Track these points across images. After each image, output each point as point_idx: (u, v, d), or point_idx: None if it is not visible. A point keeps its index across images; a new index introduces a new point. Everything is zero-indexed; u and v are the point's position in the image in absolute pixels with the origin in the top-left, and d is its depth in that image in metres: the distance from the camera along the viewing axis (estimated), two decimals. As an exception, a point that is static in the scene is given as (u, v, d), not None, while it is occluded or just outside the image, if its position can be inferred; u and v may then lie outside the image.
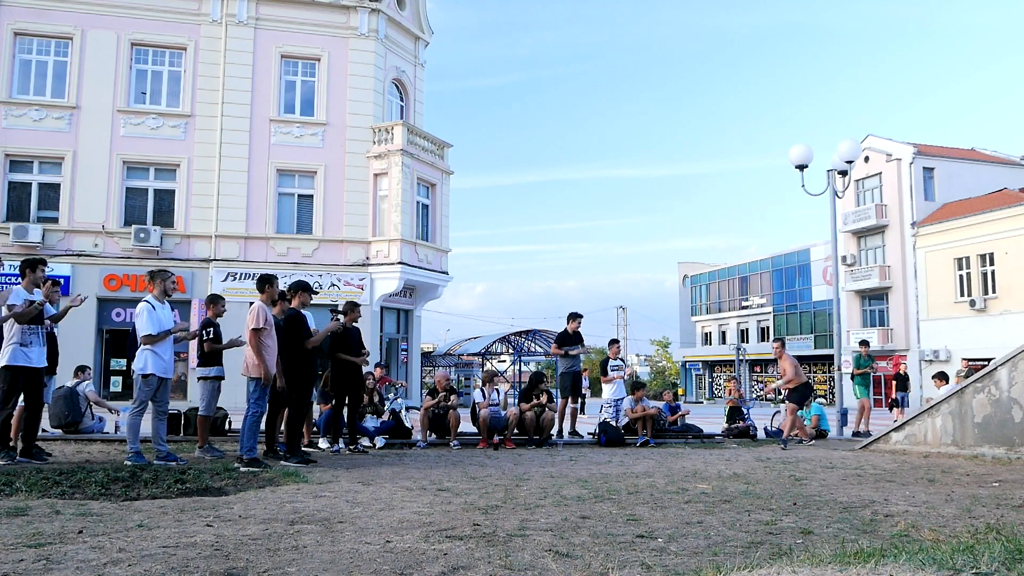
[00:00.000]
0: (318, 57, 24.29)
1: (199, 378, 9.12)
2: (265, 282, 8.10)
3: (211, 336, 8.80)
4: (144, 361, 7.71)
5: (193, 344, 9.12)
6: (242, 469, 7.19)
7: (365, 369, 10.37)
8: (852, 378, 14.67)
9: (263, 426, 8.63)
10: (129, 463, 7.34)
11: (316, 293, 9.10)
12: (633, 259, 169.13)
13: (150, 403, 7.88)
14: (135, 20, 23.13)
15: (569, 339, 12.12)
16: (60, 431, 10.41)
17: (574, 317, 12.17)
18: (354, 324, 9.99)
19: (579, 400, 12.49)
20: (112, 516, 4.62)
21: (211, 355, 8.83)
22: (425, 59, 27.60)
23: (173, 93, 23.54)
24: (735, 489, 6.23)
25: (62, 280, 20.83)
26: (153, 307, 7.77)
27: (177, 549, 3.67)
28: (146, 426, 8.00)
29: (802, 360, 37.58)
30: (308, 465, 7.87)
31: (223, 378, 9.05)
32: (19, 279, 7.83)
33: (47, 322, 7.84)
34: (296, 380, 8.32)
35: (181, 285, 22.17)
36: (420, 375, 27.38)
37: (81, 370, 10.96)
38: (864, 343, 15.35)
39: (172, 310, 8.37)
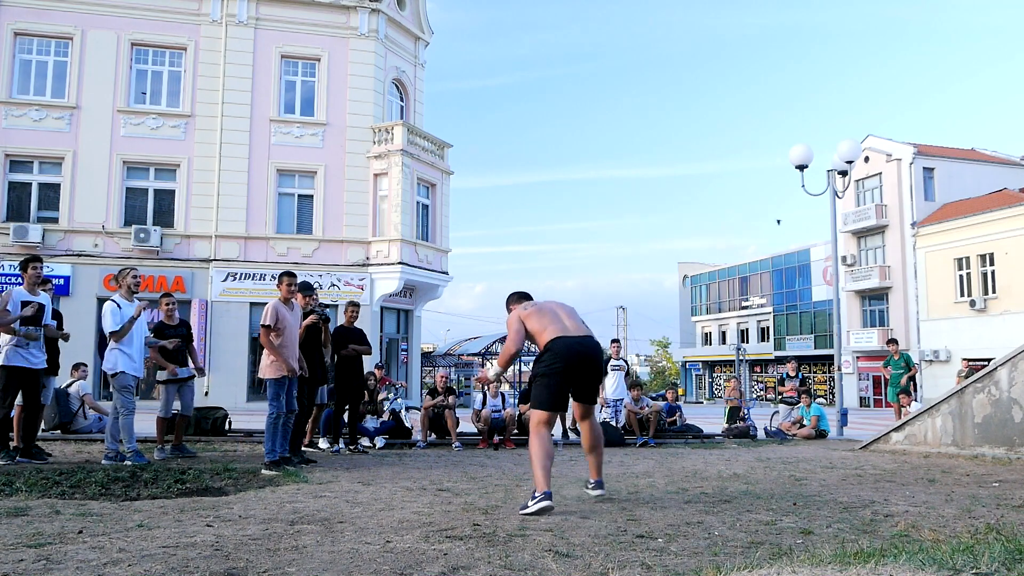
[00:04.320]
0: (318, 57, 24.30)
1: (156, 380, 8.96)
2: (279, 280, 7.90)
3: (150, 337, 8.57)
4: (114, 361, 7.68)
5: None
6: (263, 472, 7.01)
7: (365, 369, 10.36)
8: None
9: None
10: (130, 463, 7.34)
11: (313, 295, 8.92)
12: (633, 259, 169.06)
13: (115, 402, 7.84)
14: (135, 20, 23.14)
15: None
16: (58, 431, 10.39)
17: None
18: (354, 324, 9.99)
19: None
20: (112, 516, 4.62)
21: (163, 357, 8.56)
22: (425, 59, 27.60)
23: (173, 93, 23.55)
24: (735, 489, 6.23)
25: (62, 280, 20.93)
26: (119, 306, 7.74)
27: (177, 549, 3.67)
28: (142, 426, 7.99)
29: (802, 360, 37.69)
30: (308, 465, 7.86)
31: (182, 380, 8.77)
32: (19, 279, 7.83)
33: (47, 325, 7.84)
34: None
35: (181, 285, 22.18)
36: (420, 375, 27.39)
37: (76, 368, 10.90)
38: (892, 341, 15.41)
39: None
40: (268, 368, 7.51)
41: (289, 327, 7.67)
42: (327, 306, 9.44)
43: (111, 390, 7.90)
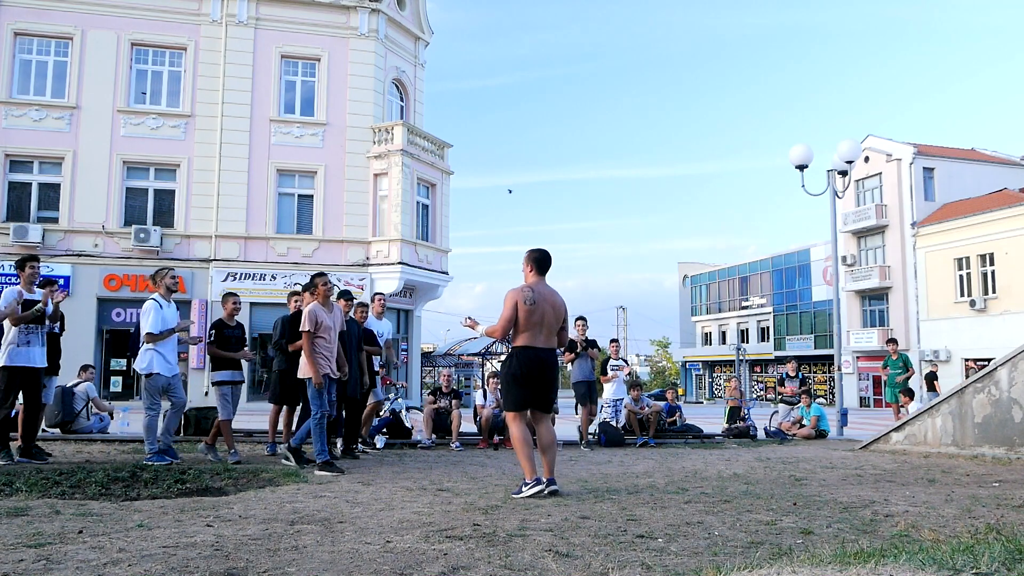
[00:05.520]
0: (318, 57, 24.29)
1: (211, 383, 8.85)
2: (312, 283, 7.77)
3: (211, 339, 8.48)
4: (149, 361, 7.67)
5: (197, 345, 8.80)
6: (316, 472, 6.98)
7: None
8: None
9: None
10: (149, 463, 7.31)
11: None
12: (633, 259, 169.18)
13: (167, 401, 7.84)
14: (135, 20, 23.14)
15: (576, 344, 11.88)
16: (58, 431, 10.39)
17: (575, 321, 11.92)
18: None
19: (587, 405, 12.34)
20: (112, 516, 4.62)
21: (217, 358, 8.45)
22: (425, 59, 27.60)
23: (173, 93, 23.55)
24: (735, 489, 6.23)
25: (62, 280, 20.91)
26: (161, 306, 7.76)
27: (177, 549, 3.67)
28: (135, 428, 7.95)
29: (802, 360, 37.69)
30: (309, 465, 7.85)
31: (236, 382, 8.61)
32: (17, 279, 7.82)
33: (47, 322, 7.81)
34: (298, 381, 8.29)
35: (182, 285, 22.13)
36: (420, 375, 27.38)
37: (84, 369, 10.95)
38: (891, 341, 15.40)
39: (177, 309, 8.28)
40: (305, 370, 7.44)
41: (329, 329, 7.55)
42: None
43: (141, 390, 7.84)
